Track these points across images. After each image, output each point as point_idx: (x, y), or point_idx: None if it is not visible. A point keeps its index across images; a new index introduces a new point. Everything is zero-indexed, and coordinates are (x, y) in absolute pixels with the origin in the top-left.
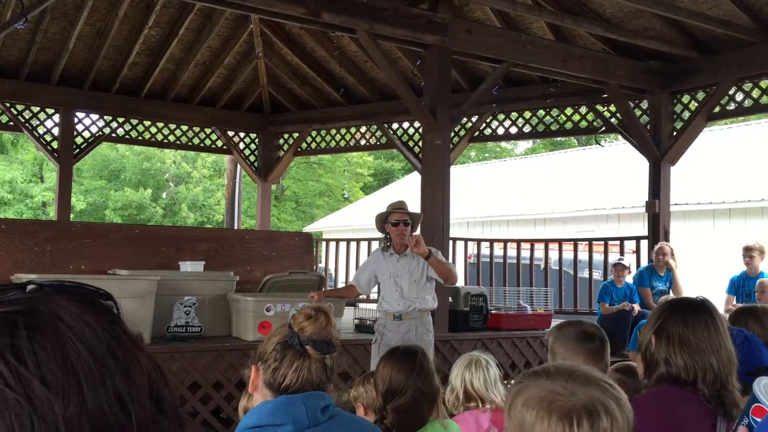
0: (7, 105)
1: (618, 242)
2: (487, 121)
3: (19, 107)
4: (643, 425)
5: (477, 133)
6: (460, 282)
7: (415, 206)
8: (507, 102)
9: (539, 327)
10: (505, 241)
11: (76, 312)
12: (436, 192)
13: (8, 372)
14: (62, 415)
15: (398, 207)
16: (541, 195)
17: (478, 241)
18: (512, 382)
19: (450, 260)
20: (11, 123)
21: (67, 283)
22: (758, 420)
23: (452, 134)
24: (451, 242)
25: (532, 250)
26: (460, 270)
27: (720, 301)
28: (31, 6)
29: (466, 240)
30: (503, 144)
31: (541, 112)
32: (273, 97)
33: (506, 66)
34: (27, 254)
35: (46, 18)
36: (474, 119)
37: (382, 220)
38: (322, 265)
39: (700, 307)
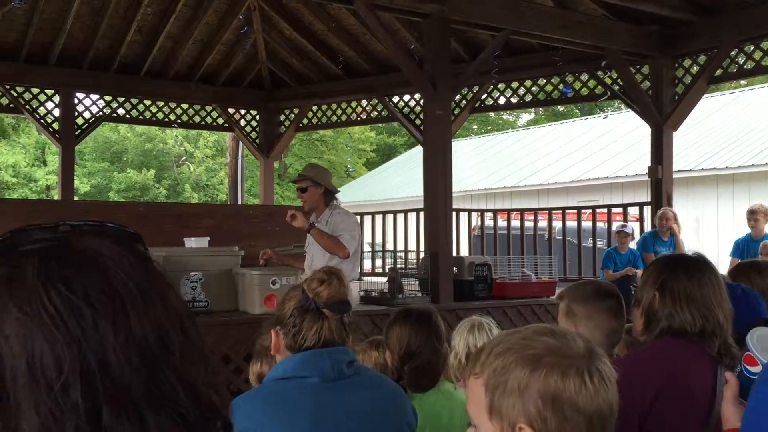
0: (7, 87)
1: (621, 209)
2: (488, 91)
3: (19, 89)
4: (644, 376)
5: (478, 104)
6: (464, 252)
7: (419, 179)
8: (507, 71)
9: (544, 294)
10: (509, 212)
11: (113, 247)
12: (438, 162)
13: (59, 300)
14: (111, 342)
15: (298, 175)
16: (544, 166)
17: (482, 212)
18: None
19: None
20: (11, 105)
21: (98, 222)
22: (749, 368)
23: (453, 105)
24: (454, 214)
25: (535, 219)
26: (464, 241)
27: (724, 264)
28: None
29: (469, 211)
30: (505, 116)
31: (542, 81)
32: (273, 72)
33: (506, 34)
34: None
35: None
36: (475, 90)
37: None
38: None
39: (702, 263)
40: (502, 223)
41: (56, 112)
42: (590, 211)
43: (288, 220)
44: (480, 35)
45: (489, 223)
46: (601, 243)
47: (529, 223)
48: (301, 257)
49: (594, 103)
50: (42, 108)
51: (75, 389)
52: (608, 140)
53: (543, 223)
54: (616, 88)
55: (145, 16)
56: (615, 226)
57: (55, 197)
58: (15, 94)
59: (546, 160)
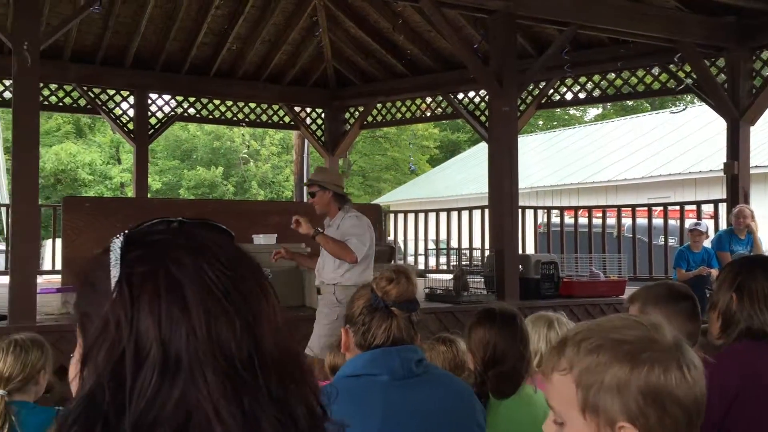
0: (85, 89)
1: (694, 207)
2: (555, 86)
3: (96, 90)
4: (723, 378)
5: (545, 100)
6: (529, 250)
7: (483, 176)
8: (575, 66)
9: (613, 294)
10: (576, 209)
11: (224, 241)
12: (504, 160)
13: (223, 277)
14: (260, 314)
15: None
16: (612, 162)
17: (548, 209)
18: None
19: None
20: (89, 106)
21: (201, 220)
22: None
23: (519, 101)
24: (520, 211)
25: (604, 217)
26: (529, 239)
27: None
28: None
29: (535, 208)
30: (572, 111)
31: (612, 75)
32: (338, 71)
33: (574, 29)
34: (110, 231)
35: (118, 2)
36: (541, 85)
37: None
38: (390, 238)
39: None
40: (569, 220)
41: (131, 113)
42: (661, 208)
43: (293, 227)
44: (546, 30)
45: (555, 220)
46: (672, 241)
47: (597, 221)
48: (314, 257)
49: (668, 97)
50: (117, 108)
51: (246, 353)
52: (680, 135)
53: (611, 221)
54: (690, 81)
55: (215, 18)
56: (688, 223)
57: (129, 194)
58: (92, 95)
59: (614, 156)
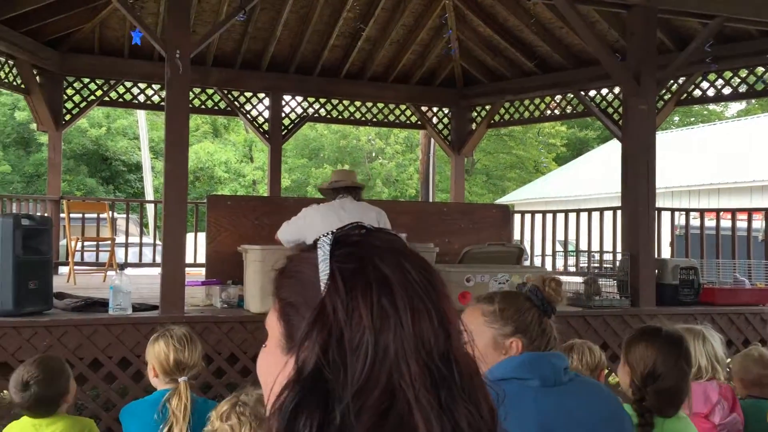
0: (225, 92)
1: None
2: (696, 82)
3: (235, 93)
4: None
5: (684, 96)
6: (665, 254)
7: (612, 175)
8: (719, 60)
9: (760, 302)
10: (718, 211)
11: (411, 248)
12: (640, 161)
13: (421, 275)
14: (448, 312)
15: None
16: (757, 160)
17: (687, 212)
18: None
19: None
20: (228, 108)
21: (378, 228)
22: None
23: (656, 98)
24: (656, 213)
25: (749, 220)
26: (665, 242)
27: None
28: None
29: (672, 210)
30: (711, 106)
31: (760, 69)
32: (465, 70)
33: (719, 21)
34: (249, 228)
35: (257, 9)
36: (681, 81)
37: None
38: (517, 238)
39: None
40: (709, 222)
41: (266, 114)
42: None
43: None
44: (687, 23)
45: (693, 222)
46: None
47: (741, 224)
48: None
49: None
50: (254, 110)
51: (443, 348)
52: None
53: (757, 224)
54: None
55: (347, 21)
56: None
57: (261, 191)
58: (231, 98)
59: (760, 154)
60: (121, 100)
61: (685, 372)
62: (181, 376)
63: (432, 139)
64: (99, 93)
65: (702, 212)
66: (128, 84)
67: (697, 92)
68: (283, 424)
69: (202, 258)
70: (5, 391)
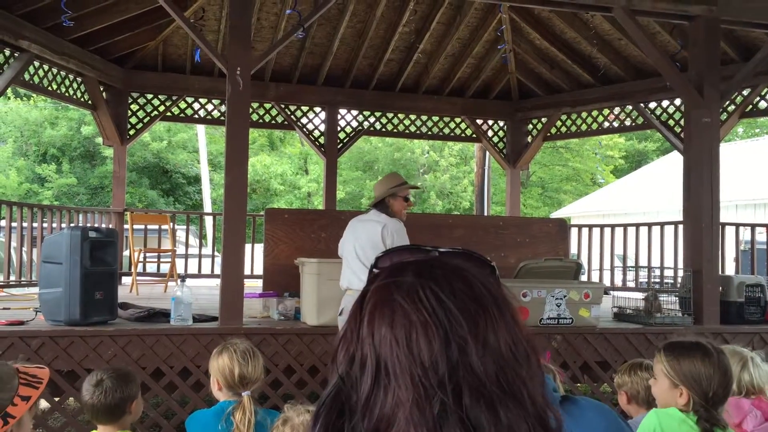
0: (282, 106)
1: None
2: (762, 93)
3: (292, 107)
4: None
5: (750, 108)
6: (729, 270)
7: (673, 188)
8: None
9: None
10: None
11: (476, 268)
12: (704, 174)
13: (432, 295)
14: (471, 338)
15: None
16: None
17: (753, 226)
18: None
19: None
20: (286, 122)
21: (463, 249)
22: None
23: (720, 110)
24: (720, 227)
25: None
26: (729, 258)
27: None
28: (308, 16)
29: (737, 225)
30: None
31: None
32: (521, 83)
33: None
34: (306, 241)
35: (314, 25)
36: (746, 92)
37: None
38: (574, 252)
39: None
40: None
41: (322, 128)
42: None
43: None
44: (752, 33)
45: (759, 237)
46: None
47: None
48: None
49: None
50: (310, 124)
51: (442, 368)
52: None
53: None
54: None
55: (402, 35)
56: None
57: (316, 203)
58: (288, 112)
59: None
60: (182, 115)
61: (730, 384)
62: (245, 390)
63: (487, 152)
64: (162, 108)
65: None
66: (189, 99)
67: (763, 104)
68: None
69: (259, 269)
70: (71, 399)
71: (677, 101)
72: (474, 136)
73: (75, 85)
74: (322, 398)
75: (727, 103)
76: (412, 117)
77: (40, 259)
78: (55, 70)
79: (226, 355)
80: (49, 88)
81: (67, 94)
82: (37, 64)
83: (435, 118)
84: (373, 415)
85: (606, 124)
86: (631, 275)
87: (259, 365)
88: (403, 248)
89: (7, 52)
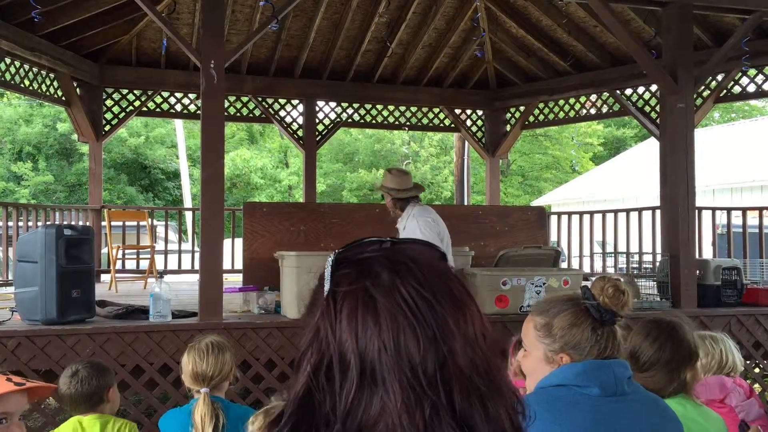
0: (259, 99)
1: None
2: (736, 78)
3: (269, 100)
4: None
5: (724, 93)
6: (706, 254)
7: (650, 174)
8: (760, 55)
9: None
10: (761, 209)
11: (430, 253)
12: (679, 159)
13: (415, 294)
14: (456, 333)
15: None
16: None
17: (728, 210)
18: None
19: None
20: (263, 115)
21: (409, 239)
22: None
23: (695, 95)
24: (696, 212)
25: None
26: (706, 242)
27: None
28: (281, 8)
29: (713, 209)
30: (753, 102)
31: None
32: (498, 72)
33: (759, 16)
34: (284, 234)
35: (290, 17)
36: (720, 77)
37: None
38: (554, 239)
39: None
40: (752, 221)
41: (300, 120)
42: None
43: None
44: (725, 18)
45: (735, 221)
46: None
47: None
48: None
49: None
50: (288, 117)
51: (431, 367)
52: None
53: None
54: None
55: (378, 26)
56: None
57: (296, 196)
58: (266, 105)
59: None
60: (158, 109)
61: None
62: (202, 386)
63: (466, 142)
64: (137, 103)
65: (744, 210)
66: (165, 94)
67: (737, 88)
68: None
69: (239, 264)
70: (50, 398)
71: (653, 87)
72: (452, 126)
73: (48, 82)
74: (288, 408)
75: (702, 88)
76: (391, 108)
77: (16, 259)
78: (27, 67)
79: (188, 352)
80: (22, 84)
81: (40, 91)
82: (8, 60)
83: (413, 109)
84: (355, 421)
85: (583, 111)
86: (610, 261)
87: (220, 361)
88: (362, 242)
89: None
